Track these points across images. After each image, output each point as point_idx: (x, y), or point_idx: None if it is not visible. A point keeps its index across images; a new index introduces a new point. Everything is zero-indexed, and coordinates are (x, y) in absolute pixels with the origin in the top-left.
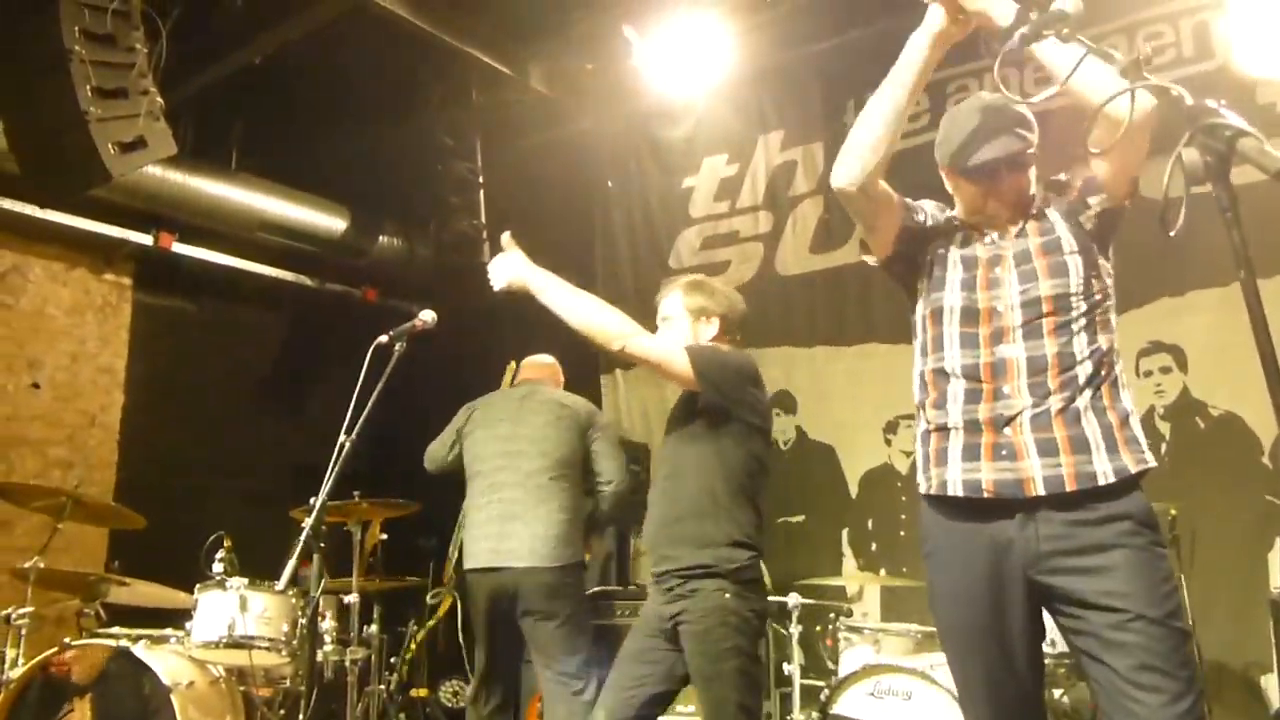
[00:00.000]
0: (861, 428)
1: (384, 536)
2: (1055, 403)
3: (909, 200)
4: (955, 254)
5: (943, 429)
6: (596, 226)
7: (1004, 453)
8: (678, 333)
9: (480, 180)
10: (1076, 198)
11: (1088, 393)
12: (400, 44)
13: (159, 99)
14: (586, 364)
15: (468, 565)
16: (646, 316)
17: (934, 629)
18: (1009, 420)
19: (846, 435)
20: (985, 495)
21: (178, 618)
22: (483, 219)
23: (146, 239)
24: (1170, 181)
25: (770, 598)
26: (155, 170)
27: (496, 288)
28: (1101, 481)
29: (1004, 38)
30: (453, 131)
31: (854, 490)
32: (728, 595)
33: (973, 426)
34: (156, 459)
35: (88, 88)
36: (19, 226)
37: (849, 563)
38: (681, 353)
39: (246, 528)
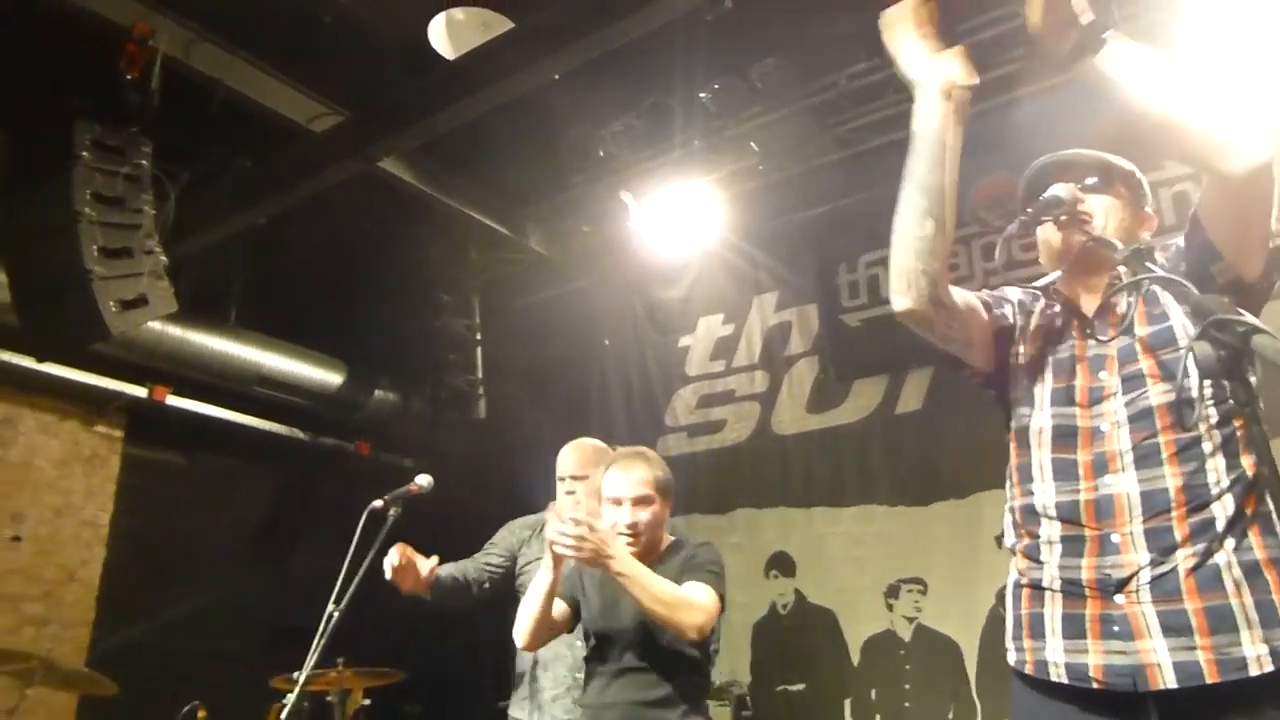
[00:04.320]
0: (862, 592)
1: (366, 703)
2: (1185, 558)
3: (989, 294)
4: (1048, 355)
5: (1036, 588)
6: (593, 384)
7: (1116, 629)
8: (659, 519)
9: (477, 337)
10: (1193, 267)
11: (1231, 541)
12: (401, 204)
13: (162, 258)
14: None
15: None
16: None
17: None
18: (1121, 584)
19: (847, 599)
20: (1094, 686)
21: None
22: (479, 375)
23: (141, 392)
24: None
25: None
26: (154, 324)
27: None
28: (1255, 671)
29: (1091, 35)
30: (451, 289)
31: (855, 657)
32: None
33: (1074, 589)
34: (135, 617)
35: (94, 247)
36: (14, 378)
37: None
38: (715, 600)
39: (224, 693)
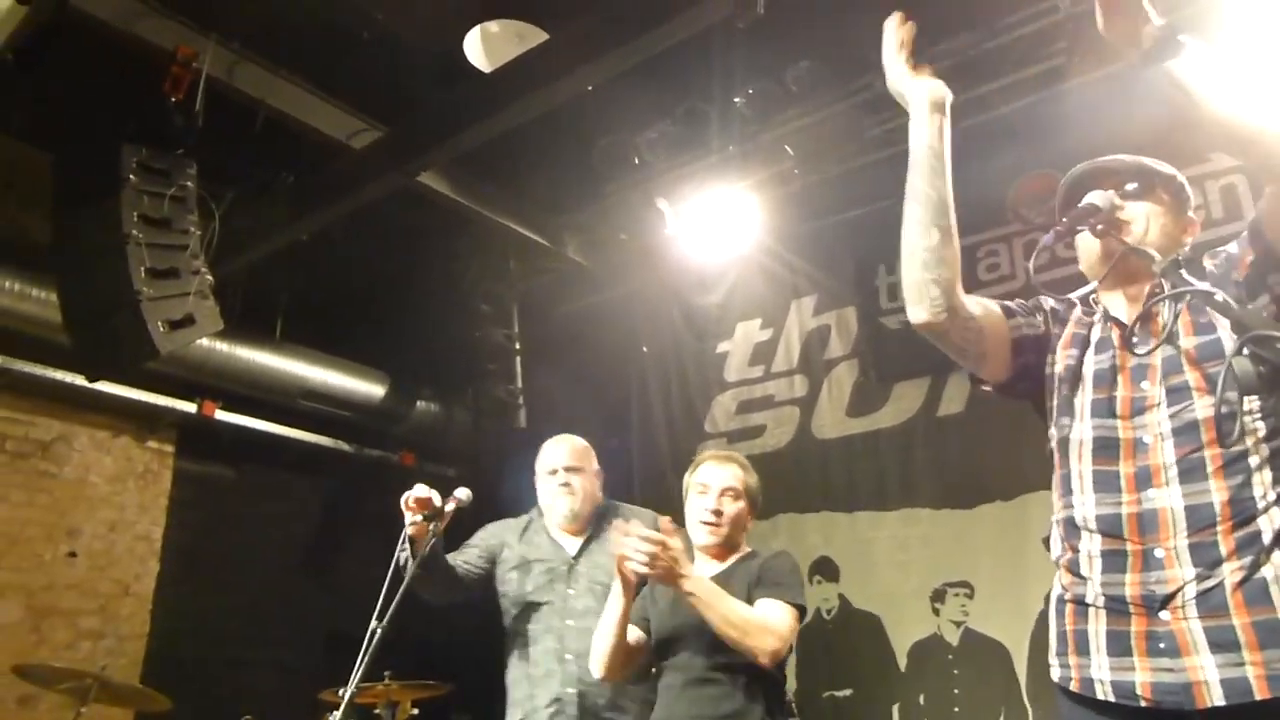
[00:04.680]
0: (907, 596)
1: (415, 713)
2: (1231, 573)
3: (1016, 303)
4: (1088, 365)
5: (1080, 603)
6: (632, 391)
7: (1162, 645)
8: (742, 520)
9: (517, 347)
10: (1249, 273)
11: (1278, 554)
12: (439, 217)
13: (209, 277)
14: None
15: None
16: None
17: None
18: (1166, 600)
19: (892, 604)
20: (1142, 704)
21: None
22: (519, 384)
23: (190, 408)
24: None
25: None
26: (202, 341)
27: (642, 570)
28: None
29: (1166, 39)
30: (490, 300)
31: (903, 662)
32: None
33: (1118, 606)
34: (188, 629)
35: (142, 269)
36: (67, 396)
37: None
38: (791, 622)
39: (275, 704)
